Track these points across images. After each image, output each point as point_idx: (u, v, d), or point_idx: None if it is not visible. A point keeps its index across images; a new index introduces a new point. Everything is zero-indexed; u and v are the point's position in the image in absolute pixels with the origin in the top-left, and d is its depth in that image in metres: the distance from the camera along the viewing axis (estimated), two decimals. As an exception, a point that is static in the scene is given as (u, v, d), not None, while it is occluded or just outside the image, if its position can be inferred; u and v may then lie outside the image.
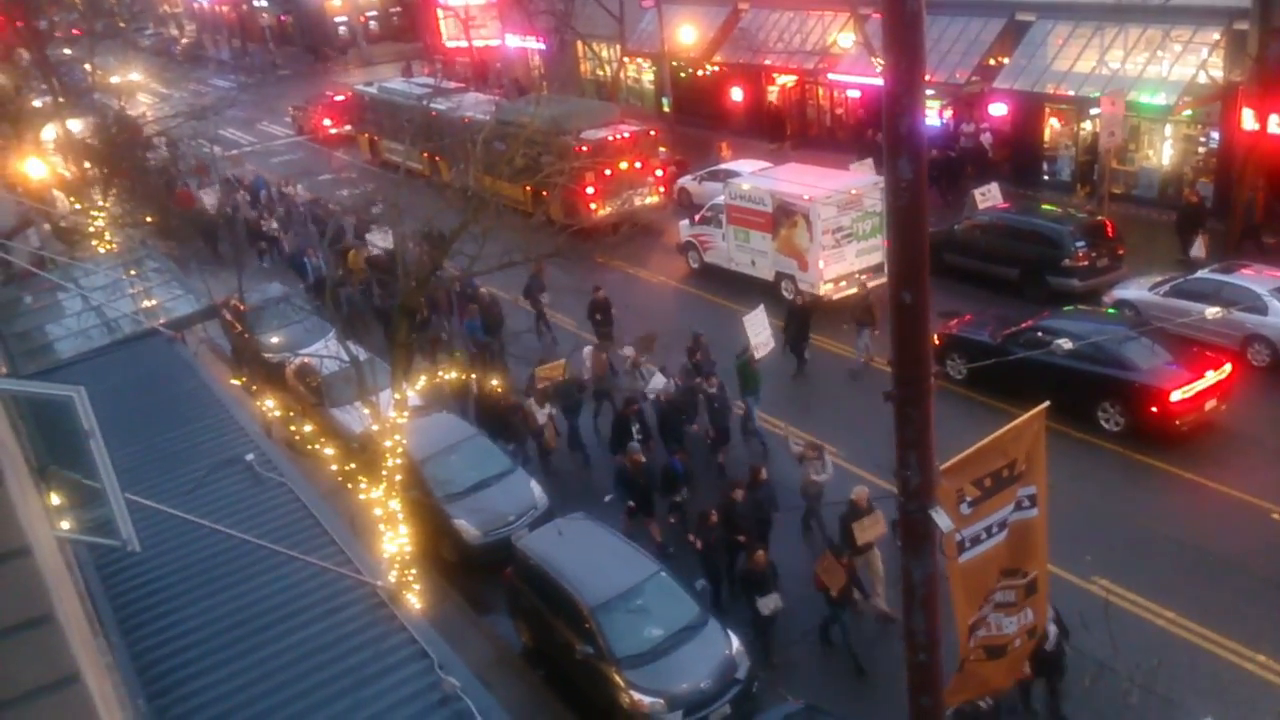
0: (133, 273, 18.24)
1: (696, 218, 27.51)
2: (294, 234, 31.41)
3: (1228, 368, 17.63)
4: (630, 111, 38.97)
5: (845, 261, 23.80)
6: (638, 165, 30.46)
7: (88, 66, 31.97)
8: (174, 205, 29.91)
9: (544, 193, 24.90)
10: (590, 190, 29.30)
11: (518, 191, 27.09)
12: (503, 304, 23.60)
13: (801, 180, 24.91)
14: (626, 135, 30.70)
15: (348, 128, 45.69)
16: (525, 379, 18.92)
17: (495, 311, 23.12)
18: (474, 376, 18.78)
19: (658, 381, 18.60)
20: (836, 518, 14.36)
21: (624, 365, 19.93)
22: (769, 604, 13.44)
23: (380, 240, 25.42)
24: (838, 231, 23.55)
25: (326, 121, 47.69)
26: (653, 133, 32.06)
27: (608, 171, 29.35)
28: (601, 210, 29.24)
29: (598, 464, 18.77)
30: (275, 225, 32.09)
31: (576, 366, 19.70)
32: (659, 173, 31.51)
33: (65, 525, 5.77)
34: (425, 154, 33.88)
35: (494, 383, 17.98)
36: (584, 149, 28.85)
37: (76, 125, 28.87)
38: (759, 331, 18.67)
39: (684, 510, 16.35)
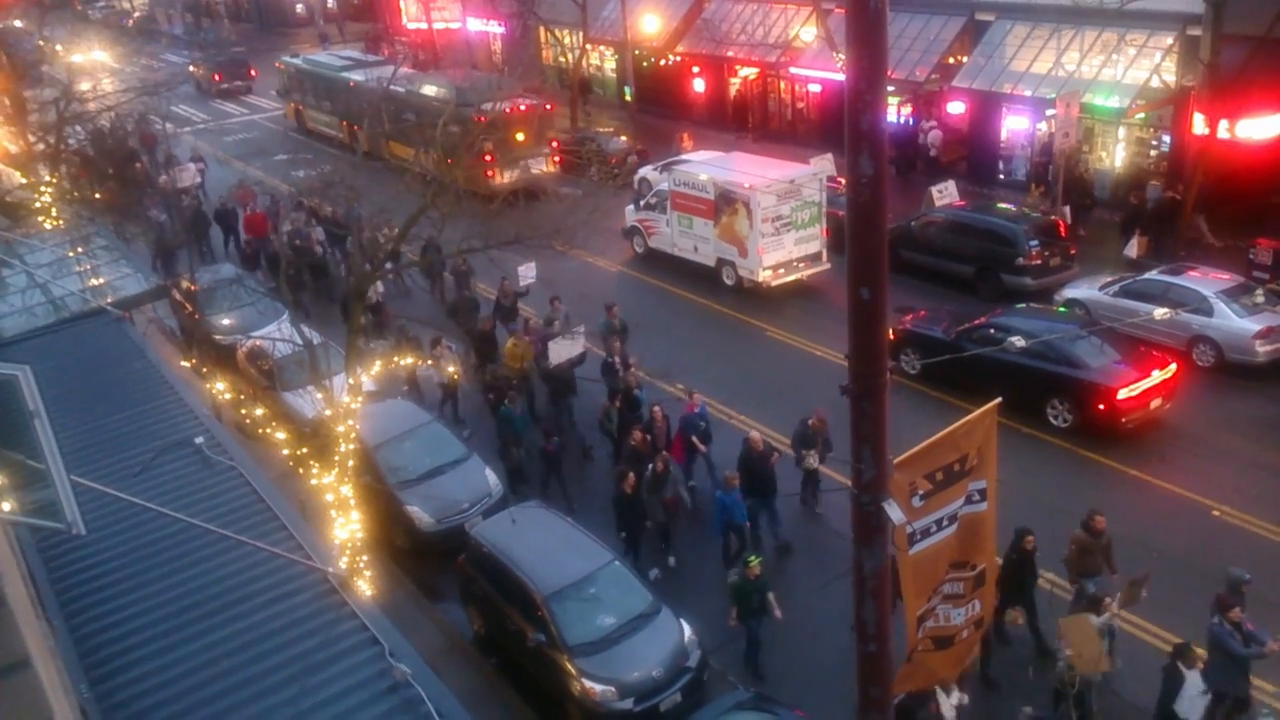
0: (79, 250, 17.82)
1: (642, 203, 28.00)
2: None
3: (1173, 367, 18.00)
4: (539, 90, 40.60)
5: (784, 249, 24.38)
6: (532, 136, 32.81)
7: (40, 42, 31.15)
8: (247, 232, 28.49)
9: (449, 160, 25.02)
10: (488, 159, 31.14)
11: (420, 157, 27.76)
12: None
13: (744, 169, 25.30)
14: (523, 108, 32.98)
15: (242, 83, 51.00)
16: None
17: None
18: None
19: None
20: None
21: None
22: None
23: (566, 349, 18.87)
24: (777, 220, 24.04)
25: (215, 77, 52.14)
26: (548, 107, 34.53)
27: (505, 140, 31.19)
28: (500, 178, 31.05)
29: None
30: (380, 289, 22.94)
31: None
32: (554, 144, 33.73)
33: (7, 507, 5.64)
34: (345, 123, 36.75)
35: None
36: (482, 120, 29.30)
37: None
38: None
39: None
